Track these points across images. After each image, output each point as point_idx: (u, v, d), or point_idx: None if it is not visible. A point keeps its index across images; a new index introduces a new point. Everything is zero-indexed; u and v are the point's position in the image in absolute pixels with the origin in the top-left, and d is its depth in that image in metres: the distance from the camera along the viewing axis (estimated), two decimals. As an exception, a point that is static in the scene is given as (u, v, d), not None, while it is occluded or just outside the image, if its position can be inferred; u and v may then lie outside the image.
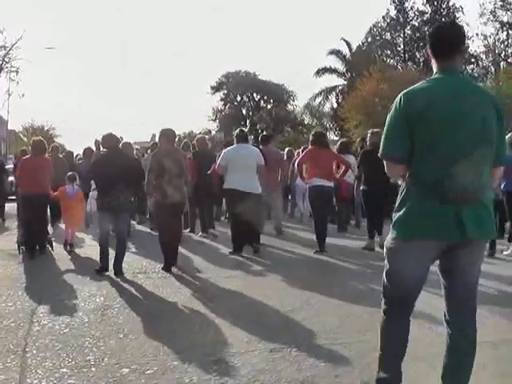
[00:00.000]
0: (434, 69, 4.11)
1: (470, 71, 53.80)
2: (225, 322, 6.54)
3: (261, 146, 13.57)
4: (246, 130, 13.17)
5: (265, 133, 19.02)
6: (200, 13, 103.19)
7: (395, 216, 3.92)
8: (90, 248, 11.76)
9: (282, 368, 5.10)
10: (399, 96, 3.91)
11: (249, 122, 60.06)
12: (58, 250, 12.02)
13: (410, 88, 3.99)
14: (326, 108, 57.18)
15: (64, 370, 5.10)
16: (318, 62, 60.83)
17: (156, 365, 5.19)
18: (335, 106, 53.49)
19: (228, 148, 12.15)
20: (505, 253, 11.16)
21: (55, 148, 15.98)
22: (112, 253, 9.47)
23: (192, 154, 14.11)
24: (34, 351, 5.60)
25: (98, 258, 9.70)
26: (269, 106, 60.86)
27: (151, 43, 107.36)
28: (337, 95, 55.04)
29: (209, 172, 13.21)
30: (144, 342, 5.87)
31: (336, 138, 49.26)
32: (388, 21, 55.25)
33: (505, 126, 4.02)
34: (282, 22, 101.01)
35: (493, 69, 48.16)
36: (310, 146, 11.90)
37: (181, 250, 11.60)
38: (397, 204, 3.95)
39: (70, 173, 12.49)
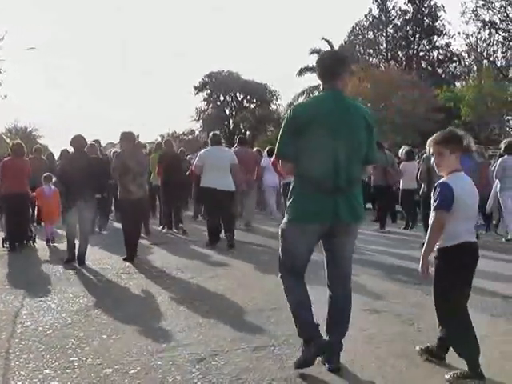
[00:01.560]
0: (321, 87, 5.12)
1: (453, 70, 54.17)
2: (208, 322, 6.56)
3: (238, 147, 14.75)
4: (219, 132, 14.23)
5: (244, 135, 19.60)
6: (200, 13, 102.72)
7: (288, 203, 4.98)
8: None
9: (266, 366, 5.12)
10: (289, 109, 5.02)
11: (232, 122, 60.00)
12: (41, 250, 12.18)
13: (298, 103, 5.30)
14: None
15: (47, 371, 5.11)
16: (302, 62, 60.91)
17: (139, 364, 5.20)
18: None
19: (203, 150, 13.12)
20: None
21: (38, 150, 16.84)
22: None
23: (159, 155, 15.11)
24: (18, 353, 5.59)
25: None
26: (252, 106, 60.82)
27: (151, 43, 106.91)
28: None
29: (188, 173, 14.59)
30: (127, 342, 5.88)
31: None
32: (370, 20, 55.46)
33: (374, 133, 5.06)
34: (264, 21, 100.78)
35: (475, 67, 48.42)
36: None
37: (164, 250, 11.69)
38: (289, 194, 4.98)
39: (45, 174, 13.29)
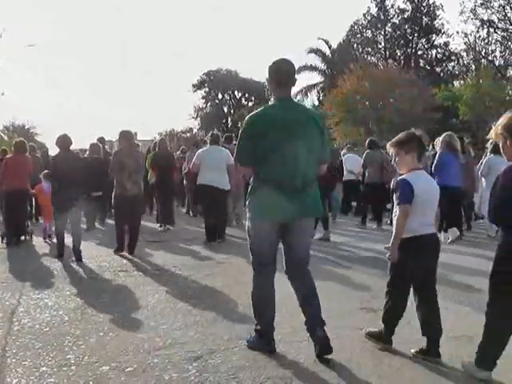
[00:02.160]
0: (273, 96, 5.58)
1: (451, 69, 54.15)
2: (205, 320, 6.57)
3: (230, 145, 14.77)
4: (217, 131, 14.69)
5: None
6: (200, 13, 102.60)
7: (247, 202, 5.43)
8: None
9: (262, 365, 5.13)
10: (246, 118, 5.46)
11: (230, 120, 59.98)
12: (38, 247, 12.29)
13: (254, 112, 5.50)
14: (308, 105, 57.26)
15: (44, 368, 5.11)
16: (300, 60, 60.87)
17: (136, 362, 5.20)
18: (316, 103, 53.57)
19: (201, 149, 13.64)
20: None
21: (31, 148, 16.76)
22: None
23: (152, 154, 15.81)
24: (14, 350, 5.60)
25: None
26: (250, 104, 60.79)
27: (151, 43, 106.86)
28: (318, 93, 55.15)
29: (185, 171, 15.43)
30: (124, 339, 5.89)
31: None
32: (369, 18, 55.37)
33: (326, 135, 5.56)
34: (263, 20, 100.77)
35: (473, 66, 48.40)
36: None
37: (161, 248, 11.69)
38: (248, 193, 5.43)
39: (45, 171, 13.30)
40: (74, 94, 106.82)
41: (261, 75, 74.70)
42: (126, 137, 11.48)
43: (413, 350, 5.36)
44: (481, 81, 36.87)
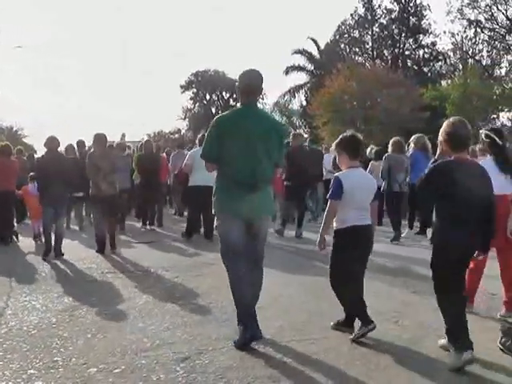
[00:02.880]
0: (240, 102, 6.13)
1: (438, 68, 54.28)
2: (193, 320, 6.58)
3: None
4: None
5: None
6: (200, 13, 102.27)
7: (213, 200, 5.90)
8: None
9: (250, 365, 5.14)
10: (214, 119, 5.97)
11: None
12: (26, 248, 12.35)
13: (221, 114, 6.10)
14: (296, 106, 57.34)
15: (32, 371, 5.10)
16: (288, 61, 60.86)
17: (124, 364, 5.20)
18: (304, 103, 53.62)
19: (193, 149, 13.83)
20: None
21: (19, 150, 17.73)
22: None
23: (137, 156, 16.17)
24: (1, 353, 5.58)
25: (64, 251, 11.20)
26: (238, 105, 60.66)
27: (151, 43, 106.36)
28: (305, 93, 55.18)
29: (176, 172, 15.76)
30: (112, 341, 5.88)
31: (306, 136, 49.45)
32: (356, 18, 55.39)
33: (283, 140, 6.17)
34: (250, 21, 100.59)
35: (460, 66, 48.52)
36: None
37: (149, 249, 11.70)
38: (213, 191, 5.93)
39: (31, 173, 13.70)
40: (74, 94, 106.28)
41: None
42: (100, 139, 11.84)
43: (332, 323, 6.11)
44: (468, 80, 36.98)
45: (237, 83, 6.14)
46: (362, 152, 6.33)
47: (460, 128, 5.35)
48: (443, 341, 5.33)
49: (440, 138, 5.50)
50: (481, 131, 7.01)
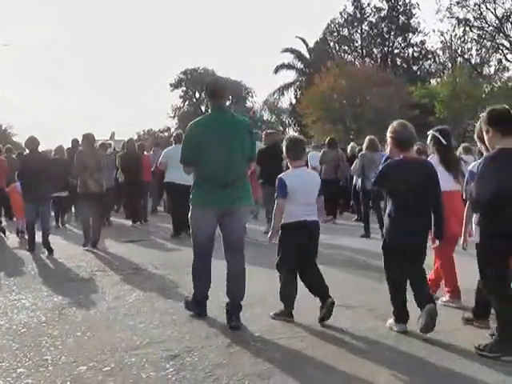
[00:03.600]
0: (210, 107, 6.78)
1: (428, 67, 54.42)
2: (183, 318, 6.59)
3: None
4: (182, 132, 14.89)
5: None
6: (192, 12, 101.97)
7: (191, 195, 6.47)
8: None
9: (239, 362, 5.15)
10: (188, 126, 6.67)
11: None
12: (15, 247, 12.47)
13: (194, 121, 6.68)
14: (285, 104, 57.41)
15: (21, 369, 5.10)
16: (278, 59, 60.84)
17: (113, 362, 5.21)
18: (294, 101, 53.68)
19: (168, 148, 14.45)
20: None
21: (8, 150, 18.19)
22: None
23: (120, 155, 16.58)
24: (-9, 352, 5.58)
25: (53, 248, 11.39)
26: (228, 103, 60.71)
27: (151, 43, 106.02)
28: (295, 91, 55.26)
29: (152, 169, 16.22)
30: (102, 339, 5.88)
31: (295, 134, 49.50)
32: (345, 17, 55.47)
33: (253, 138, 6.65)
34: (240, 20, 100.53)
35: (449, 64, 48.66)
36: None
37: (139, 247, 11.71)
38: (191, 187, 6.53)
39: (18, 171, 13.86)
40: (74, 94, 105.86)
41: (238, 74, 74.70)
42: (88, 139, 12.44)
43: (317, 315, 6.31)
44: (457, 79, 37.12)
45: (204, 90, 6.81)
46: (303, 153, 6.92)
47: (402, 131, 6.02)
48: (390, 320, 6.06)
49: (388, 139, 6.15)
50: (428, 132, 7.50)
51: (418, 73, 52.91)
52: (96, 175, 12.01)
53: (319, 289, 6.42)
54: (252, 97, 60.31)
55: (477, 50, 48.29)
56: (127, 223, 16.27)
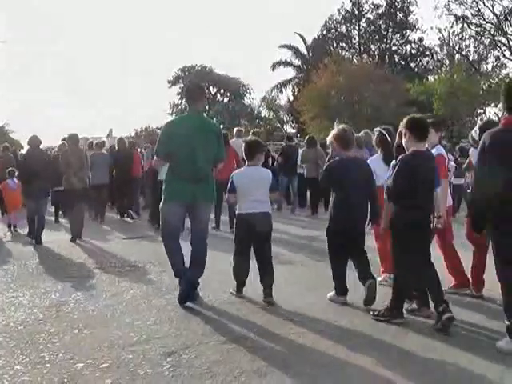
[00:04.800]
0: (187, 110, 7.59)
1: (425, 64, 54.41)
2: (180, 315, 6.60)
3: None
4: None
5: None
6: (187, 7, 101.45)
7: (163, 188, 7.28)
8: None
9: (236, 359, 5.17)
10: (164, 124, 7.77)
11: (205, 116, 59.84)
12: (11, 246, 12.47)
13: (171, 119, 7.89)
14: (283, 101, 57.38)
15: (18, 367, 5.11)
16: (277, 56, 60.79)
17: (110, 358, 5.22)
18: (291, 98, 53.66)
19: None
20: None
21: (5, 148, 18.58)
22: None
23: (113, 153, 17.58)
24: (-12, 349, 5.58)
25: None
26: (225, 100, 60.65)
27: (147, 39, 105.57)
28: (293, 88, 55.25)
29: (147, 168, 16.62)
30: (99, 336, 5.89)
31: (293, 131, 49.54)
32: (343, 14, 55.41)
33: (222, 141, 7.52)
34: (240, 13, 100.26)
35: (447, 61, 48.66)
36: None
37: (136, 244, 11.71)
38: (164, 181, 7.38)
39: (9, 169, 14.85)
40: (73, 94, 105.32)
41: (236, 71, 74.55)
42: (72, 139, 13.40)
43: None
44: (455, 76, 37.10)
45: (184, 92, 7.39)
46: (257, 154, 7.48)
47: (344, 134, 7.12)
48: (331, 294, 7.06)
49: (332, 140, 7.20)
50: (374, 129, 8.38)
51: (416, 70, 52.88)
52: (79, 173, 12.88)
53: (263, 277, 7.23)
54: (250, 94, 60.25)
55: (474, 47, 48.29)
56: (121, 219, 16.70)
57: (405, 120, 6.29)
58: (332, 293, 7.04)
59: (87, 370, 4.99)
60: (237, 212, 7.44)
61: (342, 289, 6.99)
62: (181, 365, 5.03)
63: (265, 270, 7.23)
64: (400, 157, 6.16)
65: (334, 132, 7.22)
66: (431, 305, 6.14)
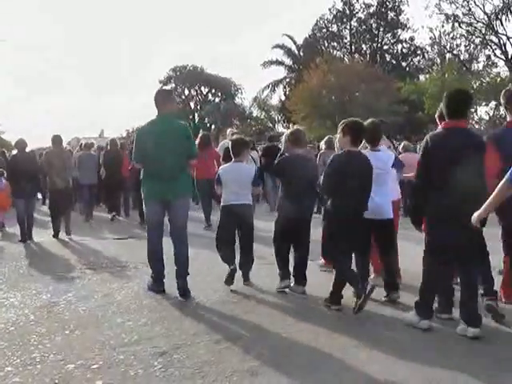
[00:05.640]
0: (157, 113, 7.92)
1: (417, 63, 54.53)
2: (171, 315, 6.60)
3: None
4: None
5: (209, 129, 20.74)
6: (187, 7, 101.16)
7: (141, 188, 7.87)
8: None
9: (228, 359, 5.17)
10: (138, 129, 8.46)
11: (197, 116, 59.79)
12: (3, 246, 12.25)
13: (142, 125, 8.60)
14: (274, 101, 57.40)
15: (9, 368, 5.09)
16: (268, 56, 60.83)
17: (102, 359, 5.21)
18: (283, 98, 53.68)
19: None
20: None
21: None
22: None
23: (103, 153, 17.87)
24: (-22, 350, 5.56)
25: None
26: (217, 100, 60.62)
27: (151, 42, 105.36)
28: (284, 88, 55.27)
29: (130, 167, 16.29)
30: (90, 337, 5.89)
31: (284, 131, 49.56)
32: (334, 13, 55.47)
33: (192, 140, 8.06)
34: (235, 12, 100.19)
35: (438, 60, 48.77)
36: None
37: (127, 245, 11.69)
38: (141, 181, 7.89)
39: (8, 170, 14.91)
40: (74, 94, 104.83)
41: (228, 71, 74.35)
42: (55, 141, 13.66)
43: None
44: (446, 75, 37.21)
45: (154, 98, 7.87)
46: (242, 151, 8.15)
47: (296, 132, 7.92)
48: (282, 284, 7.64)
49: (285, 138, 7.99)
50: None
51: (407, 69, 53.02)
52: (62, 173, 13.29)
53: (243, 264, 8.01)
54: (241, 93, 60.23)
55: (465, 46, 48.38)
56: (111, 219, 16.67)
57: (342, 123, 7.02)
58: (283, 283, 7.62)
59: (78, 370, 4.98)
60: (221, 204, 8.12)
61: (286, 274, 7.65)
62: (172, 365, 5.03)
63: (245, 257, 8.01)
64: (332, 155, 7.00)
65: (287, 131, 8.25)
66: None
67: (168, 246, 7.68)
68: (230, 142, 8.52)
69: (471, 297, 5.73)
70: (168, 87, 60.52)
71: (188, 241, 7.76)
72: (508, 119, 6.61)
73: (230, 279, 7.78)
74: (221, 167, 8.43)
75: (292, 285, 7.54)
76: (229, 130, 18.10)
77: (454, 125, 5.87)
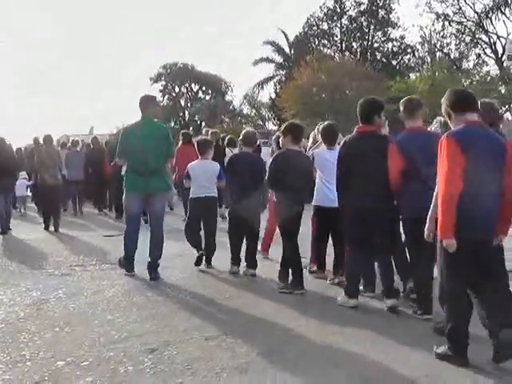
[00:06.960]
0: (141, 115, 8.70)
1: (407, 61, 54.59)
2: (161, 312, 6.62)
3: None
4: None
5: (200, 126, 21.01)
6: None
7: (124, 182, 8.67)
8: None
9: (217, 355, 5.19)
10: (123, 129, 9.85)
11: (188, 113, 59.69)
12: None
13: (126, 126, 9.77)
14: (265, 98, 57.33)
15: (-1, 365, 5.08)
16: (259, 53, 60.64)
17: (92, 356, 5.22)
18: (273, 96, 53.63)
19: None
20: None
21: None
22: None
23: (86, 151, 18.88)
24: (-32, 348, 5.55)
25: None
26: (207, 97, 60.51)
27: (129, 36, 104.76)
28: (275, 85, 55.24)
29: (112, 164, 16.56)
30: (80, 334, 5.89)
31: (275, 128, 49.55)
32: (325, 11, 55.41)
33: (170, 140, 8.82)
34: (225, 10, 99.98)
35: (429, 59, 48.83)
36: (180, 144, 15.21)
37: (117, 242, 11.62)
38: (124, 177, 8.79)
39: None
40: (74, 94, 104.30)
41: (218, 68, 74.16)
42: (46, 139, 14.80)
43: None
44: (436, 73, 37.26)
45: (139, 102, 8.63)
46: (207, 149, 9.27)
47: (248, 134, 9.34)
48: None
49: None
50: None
51: (397, 67, 52.98)
52: (51, 170, 14.02)
53: (206, 247, 8.96)
54: (232, 91, 60.15)
55: (456, 45, 48.45)
56: (99, 215, 17.27)
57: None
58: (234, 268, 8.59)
59: (68, 368, 4.99)
60: (190, 196, 9.16)
61: (236, 259, 8.66)
62: (162, 362, 5.04)
63: (208, 241, 9.00)
64: (275, 153, 8.25)
65: (243, 132, 9.64)
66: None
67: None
68: (197, 142, 9.77)
69: (385, 273, 6.74)
70: (158, 84, 60.76)
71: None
72: (409, 125, 6.92)
73: (199, 262, 8.89)
74: (189, 164, 9.31)
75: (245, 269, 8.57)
76: (205, 130, 18.74)
77: (365, 129, 6.84)
